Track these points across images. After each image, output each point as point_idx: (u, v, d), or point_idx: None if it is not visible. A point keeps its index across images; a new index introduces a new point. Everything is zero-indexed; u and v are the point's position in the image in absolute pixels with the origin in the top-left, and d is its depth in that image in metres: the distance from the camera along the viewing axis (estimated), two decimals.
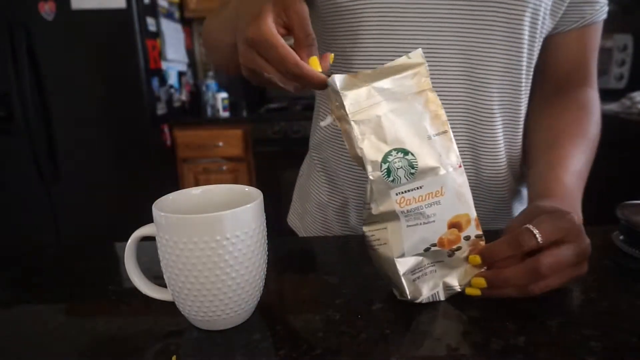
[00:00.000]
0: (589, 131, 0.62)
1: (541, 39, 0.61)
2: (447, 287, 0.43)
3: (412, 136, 0.39)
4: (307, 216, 0.74)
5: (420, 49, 0.41)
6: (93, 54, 2.06)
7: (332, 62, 0.44)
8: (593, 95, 0.66)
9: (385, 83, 0.39)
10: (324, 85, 0.40)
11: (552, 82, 0.67)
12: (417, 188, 0.39)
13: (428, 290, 0.42)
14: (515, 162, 0.66)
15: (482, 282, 0.41)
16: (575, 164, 0.57)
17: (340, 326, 0.40)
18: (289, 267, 0.53)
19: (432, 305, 0.42)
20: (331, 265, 0.52)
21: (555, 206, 0.45)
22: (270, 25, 0.41)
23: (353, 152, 0.40)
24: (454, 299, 0.43)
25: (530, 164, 0.63)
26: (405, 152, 0.39)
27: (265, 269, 0.42)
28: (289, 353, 0.36)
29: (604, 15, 0.64)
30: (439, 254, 0.42)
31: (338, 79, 0.39)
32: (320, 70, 0.41)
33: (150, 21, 2.21)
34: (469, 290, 0.42)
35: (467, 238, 0.42)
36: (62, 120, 2.12)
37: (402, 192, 0.39)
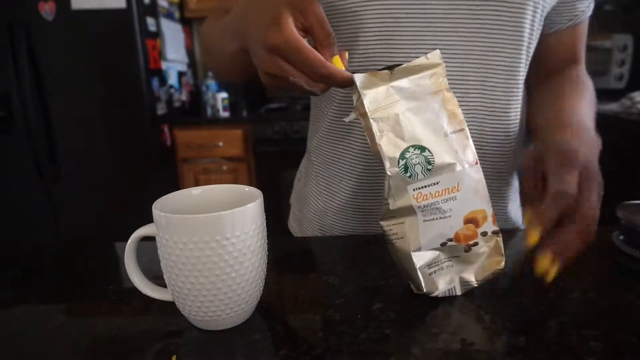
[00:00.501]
0: (588, 93, 0.63)
1: (537, 37, 0.61)
2: (464, 283, 0.43)
3: (429, 134, 0.41)
4: (305, 222, 0.74)
5: (438, 50, 0.42)
6: (93, 54, 2.06)
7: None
8: (584, 71, 0.69)
9: (404, 82, 0.41)
10: (350, 82, 0.41)
11: (543, 73, 0.70)
12: (434, 184, 0.40)
13: (444, 284, 0.43)
14: (504, 162, 0.65)
15: (546, 263, 0.38)
16: (583, 108, 0.57)
17: (340, 326, 0.40)
18: (289, 267, 0.53)
19: (432, 305, 0.42)
20: (331, 265, 0.52)
21: (568, 144, 0.44)
22: (293, 29, 0.40)
23: (374, 148, 0.41)
24: (455, 299, 0.43)
25: (534, 126, 0.62)
26: (423, 149, 0.40)
27: (265, 269, 0.42)
28: (289, 353, 0.36)
29: (590, 12, 0.68)
30: (456, 249, 0.43)
31: (358, 78, 0.40)
32: (344, 68, 0.42)
33: (150, 21, 2.21)
34: (543, 271, 0.39)
35: (484, 234, 0.42)
36: (62, 120, 2.12)
37: (419, 188, 0.40)
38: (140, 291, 0.42)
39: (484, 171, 0.43)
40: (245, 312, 0.41)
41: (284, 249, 0.59)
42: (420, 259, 0.42)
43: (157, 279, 0.43)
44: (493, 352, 0.35)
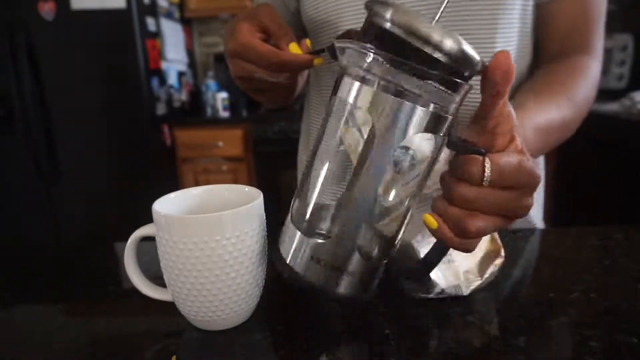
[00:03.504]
0: (571, 91, 0.56)
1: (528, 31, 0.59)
2: (468, 281, 0.43)
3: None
4: None
5: None
6: (93, 54, 2.06)
7: (311, 46, 0.48)
8: (589, 63, 0.60)
9: None
10: (308, 64, 0.45)
11: (546, 54, 0.63)
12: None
13: (451, 278, 0.43)
14: None
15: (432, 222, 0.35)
16: (540, 117, 0.51)
17: (340, 326, 0.40)
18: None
19: (433, 306, 0.42)
20: None
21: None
22: (245, 33, 0.46)
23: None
24: (454, 300, 0.43)
25: None
26: (407, 148, 0.43)
27: (265, 269, 0.42)
28: (289, 353, 0.36)
29: None
30: None
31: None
32: (300, 53, 0.45)
33: (150, 21, 2.21)
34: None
35: None
36: (62, 120, 2.11)
37: (407, 183, 0.42)
38: (140, 291, 0.42)
39: None
40: (245, 312, 0.41)
41: None
42: (423, 248, 0.42)
43: (157, 279, 0.42)
44: (493, 352, 0.35)
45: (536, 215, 0.70)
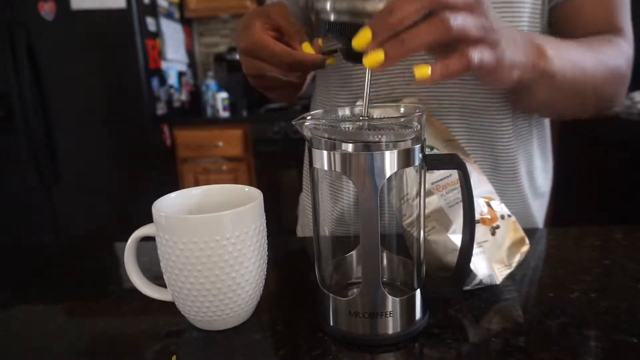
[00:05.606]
0: (598, 49, 0.54)
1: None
2: (499, 270, 0.45)
3: (434, 139, 0.50)
4: (307, 229, 0.75)
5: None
6: (93, 54, 2.06)
7: (323, 46, 0.48)
8: (619, 40, 0.57)
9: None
10: (320, 64, 0.45)
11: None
12: (447, 177, 0.47)
13: (483, 269, 0.44)
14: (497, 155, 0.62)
15: (380, 56, 0.33)
16: (564, 41, 0.50)
17: None
18: (289, 267, 0.53)
19: (433, 306, 0.42)
20: None
21: None
22: (258, 31, 0.46)
23: None
24: (454, 300, 0.43)
25: None
26: (431, 147, 0.48)
27: (265, 269, 0.42)
28: (289, 353, 0.36)
29: None
30: (484, 233, 0.45)
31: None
32: (313, 52, 0.45)
33: (150, 21, 2.21)
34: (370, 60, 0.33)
35: (503, 217, 0.47)
36: (62, 120, 2.12)
37: (436, 182, 0.46)
38: (140, 291, 0.42)
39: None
40: (245, 312, 0.41)
41: (284, 249, 0.59)
42: (458, 240, 0.42)
43: (157, 279, 0.42)
44: (493, 352, 0.35)
45: (538, 215, 0.70)
